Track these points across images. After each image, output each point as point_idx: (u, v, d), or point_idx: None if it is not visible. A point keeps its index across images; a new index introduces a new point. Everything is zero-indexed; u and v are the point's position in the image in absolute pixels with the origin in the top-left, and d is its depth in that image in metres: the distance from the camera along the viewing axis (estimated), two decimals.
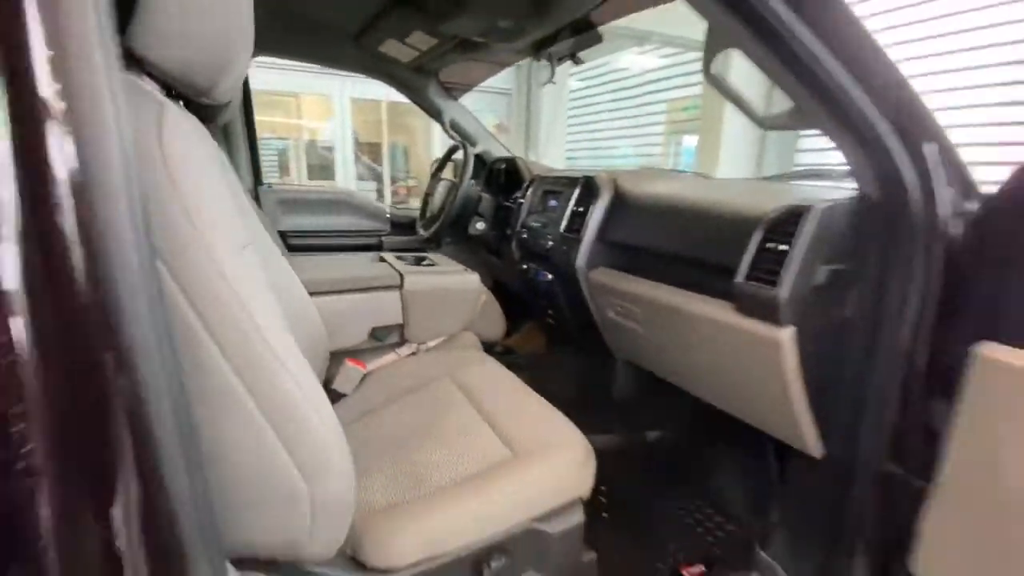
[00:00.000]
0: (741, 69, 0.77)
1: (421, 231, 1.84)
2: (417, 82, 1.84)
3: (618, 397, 1.41)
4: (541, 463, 0.77)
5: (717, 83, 0.80)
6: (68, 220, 0.28)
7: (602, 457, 0.84)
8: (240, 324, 0.47)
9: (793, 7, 0.62)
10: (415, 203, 2.79)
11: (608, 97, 5.10)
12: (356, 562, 0.65)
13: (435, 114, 1.94)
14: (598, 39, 1.29)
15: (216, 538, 0.42)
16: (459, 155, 1.79)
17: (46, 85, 0.27)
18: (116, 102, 0.31)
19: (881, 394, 0.76)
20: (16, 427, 0.26)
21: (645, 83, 5.05)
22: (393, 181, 6.14)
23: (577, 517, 0.78)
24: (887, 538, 0.80)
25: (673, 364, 1.15)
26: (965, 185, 0.72)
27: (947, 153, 0.71)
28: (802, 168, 3.54)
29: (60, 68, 0.27)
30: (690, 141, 4.83)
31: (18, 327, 0.26)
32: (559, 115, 4.05)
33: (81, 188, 0.28)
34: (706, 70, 0.79)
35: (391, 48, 1.60)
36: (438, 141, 5.19)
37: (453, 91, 1.93)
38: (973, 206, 0.71)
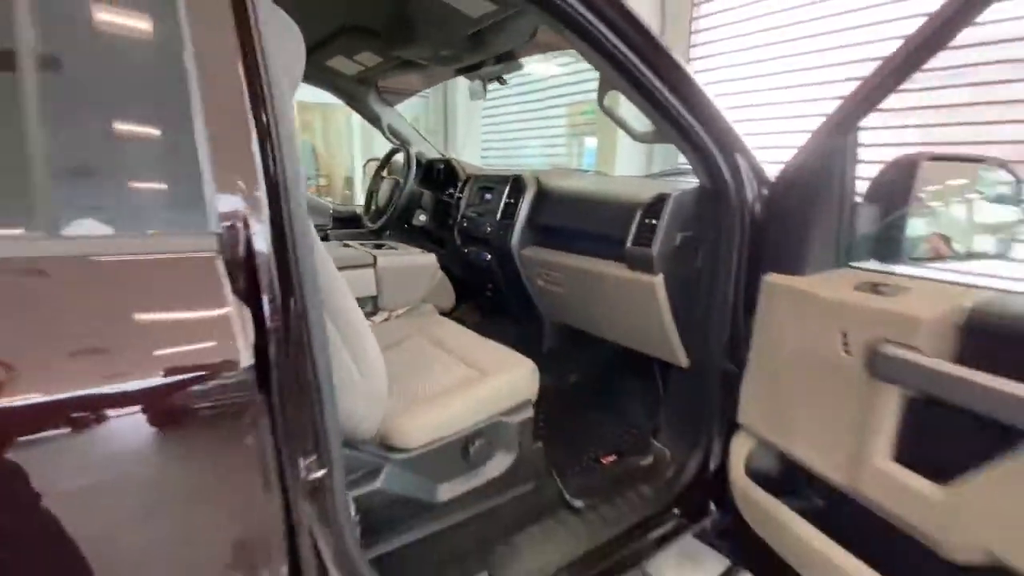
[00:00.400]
0: (623, 101, 1.15)
1: (369, 224, 2.08)
2: (358, 92, 2.06)
3: (547, 351, 1.78)
4: (502, 376, 1.10)
5: (608, 112, 1.17)
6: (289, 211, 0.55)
7: (538, 396, 1.18)
8: (337, 296, 0.75)
9: (652, 70, 0.99)
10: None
11: (516, 100, 5.51)
12: (385, 445, 0.94)
13: (374, 120, 2.18)
14: (520, 67, 1.63)
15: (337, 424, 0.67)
16: (398, 156, 2.05)
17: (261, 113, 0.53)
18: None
19: (719, 316, 1.18)
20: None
21: (548, 88, 5.52)
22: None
23: (528, 413, 1.12)
24: (728, 410, 1.22)
25: (589, 315, 1.53)
26: (761, 179, 1.15)
27: (750, 160, 1.14)
28: (673, 168, 4.19)
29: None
30: (591, 142, 5.38)
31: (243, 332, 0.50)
32: (474, 117, 4.38)
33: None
34: (600, 102, 1.15)
35: (338, 63, 1.82)
36: (359, 142, 5.25)
37: (390, 99, 2.18)
38: (765, 191, 1.14)
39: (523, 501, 1.14)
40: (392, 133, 2.16)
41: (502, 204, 1.66)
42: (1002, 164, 0.99)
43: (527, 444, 1.14)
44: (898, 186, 0.95)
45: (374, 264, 1.46)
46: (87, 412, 0.41)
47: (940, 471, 0.73)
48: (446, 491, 1.01)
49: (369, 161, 2.40)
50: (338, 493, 0.61)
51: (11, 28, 0.40)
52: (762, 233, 1.11)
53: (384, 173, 2.24)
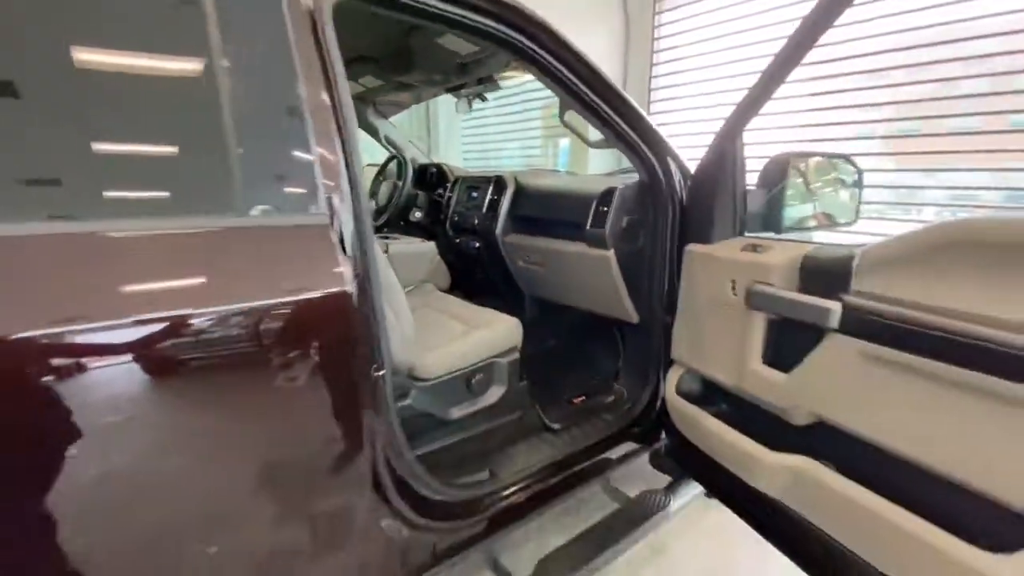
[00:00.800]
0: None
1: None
2: (359, 108, 2.39)
3: (528, 321, 2.13)
4: (494, 327, 1.45)
5: (567, 125, 1.53)
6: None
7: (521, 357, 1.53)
8: (380, 263, 1.08)
9: (599, 97, 1.34)
10: None
11: (494, 104, 5.87)
12: (412, 376, 1.27)
13: (372, 131, 2.50)
14: (498, 87, 1.98)
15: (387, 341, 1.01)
16: (393, 163, 2.38)
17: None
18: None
19: (658, 280, 1.54)
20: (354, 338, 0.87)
21: (523, 92, 5.90)
22: None
23: (515, 356, 1.48)
24: (667, 352, 1.59)
25: (561, 287, 1.88)
26: (685, 174, 1.51)
27: (677, 161, 1.50)
28: (627, 167, 4.60)
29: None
30: (566, 143, 5.77)
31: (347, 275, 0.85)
32: (454, 124, 4.72)
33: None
34: (561, 118, 1.51)
35: None
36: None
37: (385, 112, 2.50)
38: (688, 183, 1.51)
39: (513, 423, 1.49)
40: (388, 143, 2.49)
41: (487, 200, 2.01)
42: (847, 159, 1.37)
43: (515, 380, 1.50)
44: (776, 176, 1.32)
45: (387, 251, 1.79)
46: (269, 313, 0.74)
47: (788, 365, 1.10)
48: (455, 412, 1.36)
49: (367, 166, 2.72)
50: (388, 388, 0.95)
51: (217, 95, 0.73)
52: (686, 215, 1.48)
53: (381, 177, 2.57)
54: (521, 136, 5.83)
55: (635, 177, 1.69)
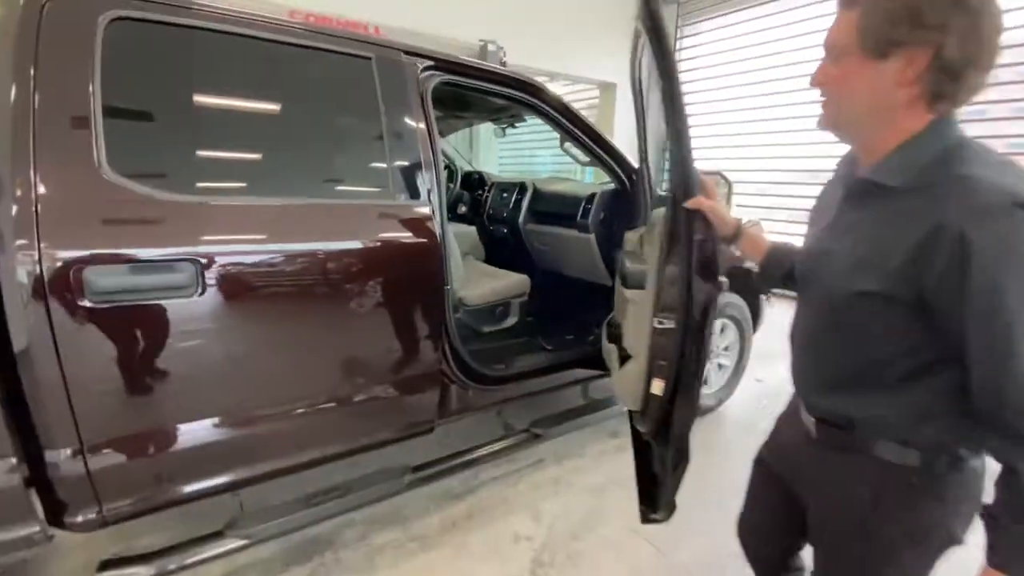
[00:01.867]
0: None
1: None
2: None
3: (535, 285, 2.96)
4: (512, 280, 2.29)
5: (567, 151, 2.34)
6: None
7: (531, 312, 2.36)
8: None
9: (586, 135, 2.15)
10: None
11: (528, 118, 6.76)
12: (461, 301, 2.11)
13: None
14: (524, 119, 2.81)
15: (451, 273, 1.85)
16: (445, 171, 3.25)
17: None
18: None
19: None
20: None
21: None
22: None
23: (525, 298, 2.31)
24: None
25: (560, 262, 2.70)
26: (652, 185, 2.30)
27: (641, 177, 2.29)
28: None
29: None
30: None
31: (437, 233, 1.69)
32: (492, 141, 5.63)
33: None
34: (561, 146, 2.32)
35: None
36: None
37: (442, 133, 3.37)
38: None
39: (521, 342, 2.32)
40: (443, 155, 3.36)
41: (513, 199, 2.84)
42: (721, 174, 2.13)
43: (523, 315, 2.33)
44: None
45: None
46: (405, 247, 1.58)
47: None
48: (485, 328, 2.20)
49: None
50: (450, 297, 1.77)
51: (382, 136, 1.59)
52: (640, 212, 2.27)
53: None
54: (553, 146, 6.69)
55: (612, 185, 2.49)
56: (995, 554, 0.68)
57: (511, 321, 2.26)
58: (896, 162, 0.70)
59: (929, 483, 0.75)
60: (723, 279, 2.16)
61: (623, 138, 6.01)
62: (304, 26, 1.53)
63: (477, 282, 2.26)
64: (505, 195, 2.93)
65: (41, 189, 1.07)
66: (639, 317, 1.45)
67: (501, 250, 3.09)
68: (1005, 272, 0.60)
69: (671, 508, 1.35)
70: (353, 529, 1.83)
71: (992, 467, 0.72)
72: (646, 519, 1.41)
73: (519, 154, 6.90)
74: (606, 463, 2.29)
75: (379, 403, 1.61)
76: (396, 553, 1.74)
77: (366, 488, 1.64)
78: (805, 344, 0.88)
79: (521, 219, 2.78)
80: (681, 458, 1.29)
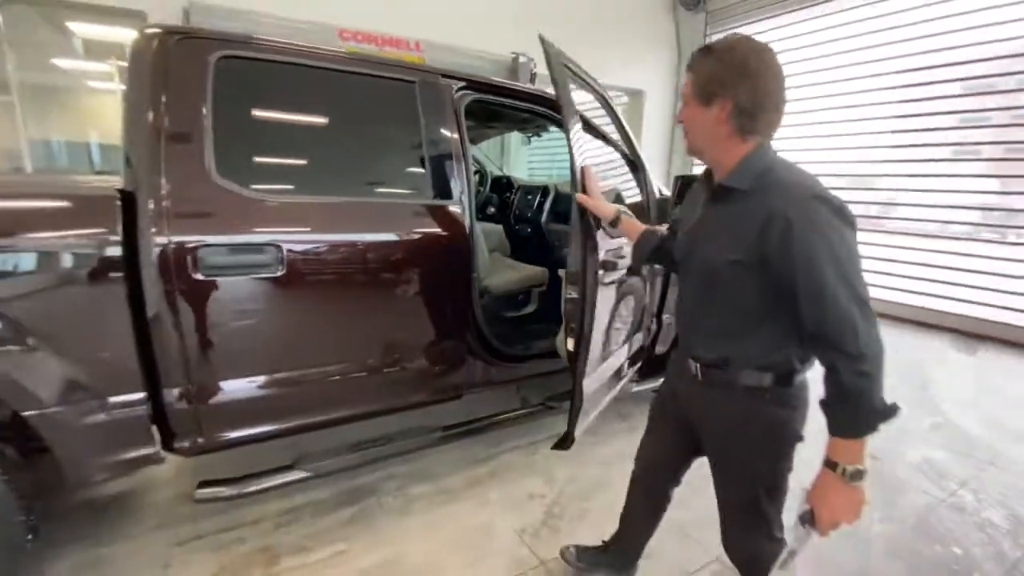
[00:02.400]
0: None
1: None
2: None
3: (554, 280, 3.22)
4: (532, 272, 2.57)
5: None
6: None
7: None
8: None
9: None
10: None
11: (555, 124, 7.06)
12: (487, 288, 2.40)
13: None
14: (547, 129, 3.08)
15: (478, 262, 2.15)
16: (476, 175, 3.56)
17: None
18: None
19: None
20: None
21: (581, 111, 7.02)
22: None
23: (543, 288, 2.58)
24: None
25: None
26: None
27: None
28: None
29: None
30: None
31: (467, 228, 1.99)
32: (520, 147, 5.93)
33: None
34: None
35: None
36: None
37: (474, 141, 3.68)
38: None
39: (539, 327, 2.59)
40: (475, 161, 3.67)
41: (537, 201, 3.12)
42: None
43: (541, 304, 2.60)
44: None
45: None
46: (440, 238, 1.88)
47: None
48: (507, 313, 2.48)
49: None
50: (476, 284, 2.05)
51: (421, 146, 1.90)
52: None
53: None
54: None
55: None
56: (832, 428, 0.95)
57: (530, 308, 2.54)
58: (739, 173, 1.00)
59: (779, 396, 1.05)
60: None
61: (656, 146, 6.17)
62: (361, 56, 1.86)
63: (501, 272, 2.54)
64: (530, 197, 3.22)
65: (168, 189, 1.41)
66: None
67: (525, 247, 3.37)
68: (814, 238, 0.89)
69: (570, 440, 1.68)
70: (393, 481, 2.14)
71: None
72: (554, 447, 1.74)
73: (550, 159, 7.22)
74: (616, 441, 2.53)
75: (417, 370, 1.92)
76: (428, 502, 2.04)
77: (404, 440, 1.94)
78: (692, 307, 1.17)
79: (543, 219, 3.05)
80: (577, 399, 1.61)
